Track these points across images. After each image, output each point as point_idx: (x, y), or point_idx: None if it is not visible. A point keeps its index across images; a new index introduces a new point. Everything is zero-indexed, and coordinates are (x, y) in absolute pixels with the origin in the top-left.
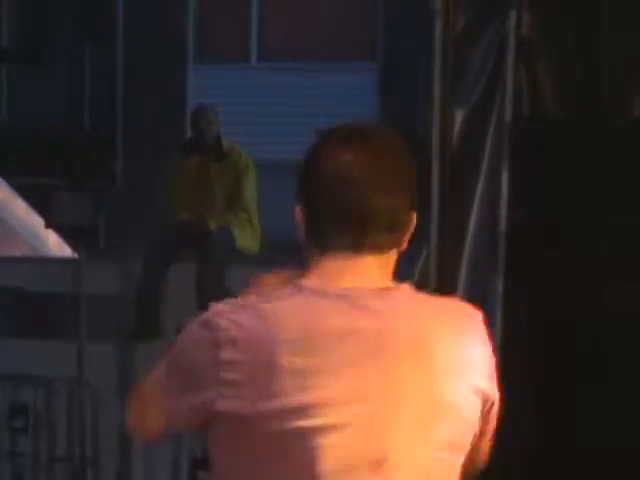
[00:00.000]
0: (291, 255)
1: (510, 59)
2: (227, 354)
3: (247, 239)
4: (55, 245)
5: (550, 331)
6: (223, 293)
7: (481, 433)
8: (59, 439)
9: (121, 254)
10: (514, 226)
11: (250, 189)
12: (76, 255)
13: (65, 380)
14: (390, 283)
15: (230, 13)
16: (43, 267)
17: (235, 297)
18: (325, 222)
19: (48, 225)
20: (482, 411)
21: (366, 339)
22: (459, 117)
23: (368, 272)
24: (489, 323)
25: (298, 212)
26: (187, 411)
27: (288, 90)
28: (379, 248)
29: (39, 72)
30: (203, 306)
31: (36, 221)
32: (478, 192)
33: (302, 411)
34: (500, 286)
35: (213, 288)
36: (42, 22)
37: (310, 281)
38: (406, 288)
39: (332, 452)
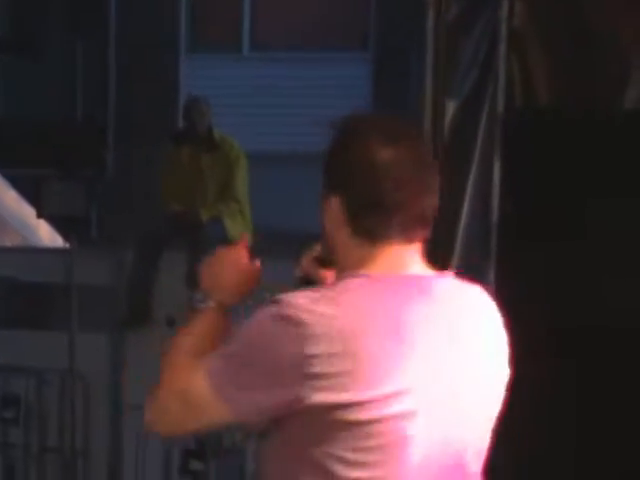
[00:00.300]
0: (281, 244)
1: (502, 49)
2: (315, 348)
3: (238, 229)
4: (46, 235)
5: (543, 321)
6: None
7: None
8: (50, 430)
9: (113, 244)
10: (506, 217)
11: (241, 180)
12: (67, 245)
13: (56, 371)
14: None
15: (222, 3)
16: (34, 257)
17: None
18: (379, 215)
19: (39, 215)
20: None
21: (440, 324)
22: (451, 107)
23: (418, 261)
24: None
25: (335, 203)
26: (259, 407)
27: (280, 80)
28: (423, 240)
29: (31, 63)
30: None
31: (27, 211)
32: (470, 182)
33: (395, 397)
34: (492, 276)
35: None
36: (35, 13)
37: (373, 271)
38: (450, 275)
39: (421, 436)
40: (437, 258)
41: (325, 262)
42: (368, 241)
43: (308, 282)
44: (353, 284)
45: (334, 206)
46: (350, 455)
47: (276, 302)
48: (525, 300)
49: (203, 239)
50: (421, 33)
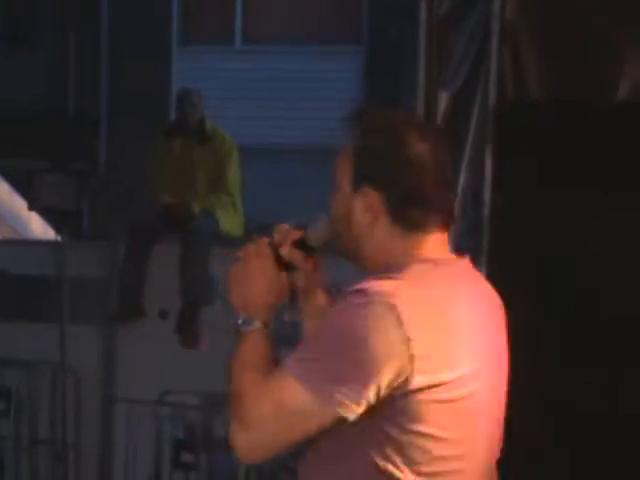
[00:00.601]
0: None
1: (494, 43)
2: (414, 330)
3: (230, 222)
4: (38, 227)
5: (536, 314)
6: (206, 276)
7: None
8: (41, 422)
9: (104, 237)
10: (498, 210)
11: (233, 172)
12: (59, 238)
13: (48, 363)
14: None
15: None
16: (26, 250)
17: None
18: (421, 207)
19: (31, 208)
20: None
21: (482, 305)
22: (443, 100)
23: (448, 248)
24: None
25: (372, 195)
26: (366, 398)
27: (272, 73)
28: (449, 229)
29: (24, 54)
30: (186, 288)
31: (19, 203)
32: (462, 176)
33: (472, 375)
34: (484, 270)
35: (196, 271)
36: (28, 5)
37: (425, 257)
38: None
39: (485, 411)
40: None
41: (307, 247)
42: (410, 231)
43: (288, 267)
44: (423, 269)
45: (371, 198)
46: (440, 433)
47: (361, 292)
48: (517, 293)
49: (195, 232)
50: (414, 27)
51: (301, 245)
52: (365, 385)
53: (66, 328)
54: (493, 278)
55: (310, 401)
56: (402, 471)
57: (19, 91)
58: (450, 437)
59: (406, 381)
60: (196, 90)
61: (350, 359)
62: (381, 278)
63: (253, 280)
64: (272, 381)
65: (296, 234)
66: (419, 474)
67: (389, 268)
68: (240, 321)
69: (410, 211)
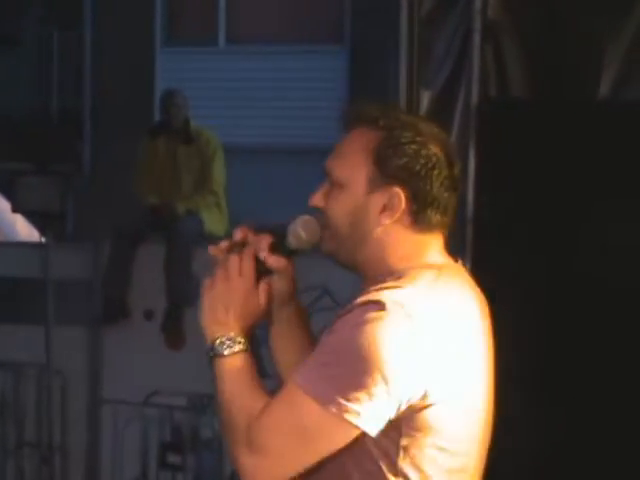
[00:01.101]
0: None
1: (476, 40)
2: (431, 341)
3: (215, 222)
4: (23, 229)
5: (519, 314)
6: (191, 276)
7: None
8: (27, 424)
9: (89, 238)
10: (481, 208)
11: (218, 173)
12: (43, 240)
13: (33, 365)
14: None
15: None
16: (11, 251)
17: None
18: (436, 208)
19: (14, 210)
20: None
21: (478, 310)
22: (425, 99)
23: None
24: None
25: (393, 194)
26: (389, 414)
27: (256, 74)
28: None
29: (6, 56)
30: (171, 289)
31: (3, 205)
32: None
33: (478, 382)
34: (467, 270)
35: (181, 271)
36: (10, 6)
37: (431, 260)
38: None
39: (483, 417)
40: None
41: (286, 250)
42: (423, 233)
43: (264, 271)
44: (430, 275)
45: (396, 197)
46: (452, 445)
47: (376, 304)
48: (500, 293)
49: (180, 232)
50: (396, 26)
51: (278, 248)
52: (389, 400)
53: (51, 330)
54: (476, 278)
55: (333, 421)
56: None
57: (1, 93)
58: (459, 448)
59: (425, 395)
60: (180, 91)
61: (372, 374)
62: (393, 287)
63: (237, 301)
64: (285, 401)
65: (268, 238)
66: None
67: (395, 274)
68: (221, 342)
69: (427, 212)
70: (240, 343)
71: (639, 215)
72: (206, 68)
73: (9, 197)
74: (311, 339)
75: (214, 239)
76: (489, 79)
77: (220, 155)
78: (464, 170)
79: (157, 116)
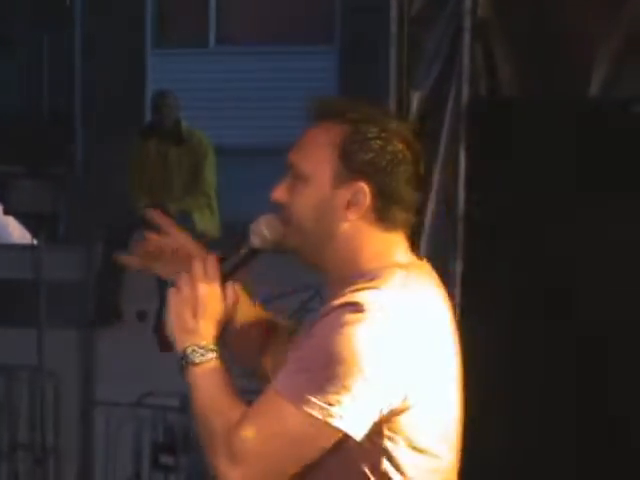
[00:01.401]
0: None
1: (466, 40)
2: (414, 340)
3: (207, 223)
4: (16, 231)
5: (509, 313)
6: None
7: None
8: (20, 426)
9: (81, 240)
10: (472, 207)
11: (210, 173)
12: (35, 241)
13: (26, 367)
14: None
15: None
16: (3, 253)
17: None
18: (400, 205)
19: (6, 212)
20: None
21: (445, 308)
22: (415, 99)
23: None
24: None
25: (359, 190)
26: (378, 415)
27: (246, 74)
28: None
29: None
30: (162, 290)
31: None
32: (435, 175)
33: (452, 380)
34: (459, 269)
35: None
36: (1, 7)
37: (399, 259)
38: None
39: (457, 416)
40: None
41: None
42: (388, 230)
43: (228, 272)
44: (401, 275)
45: (361, 193)
46: (433, 447)
47: (354, 305)
48: (491, 293)
49: None
50: (386, 25)
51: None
52: (371, 403)
53: (44, 332)
54: (467, 278)
55: (316, 426)
56: None
57: None
58: (439, 450)
59: (405, 397)
60: (171, 92)
61: (353, 376)
62: (369, 288)
63: (205, 306)
64: (265, 410)
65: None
66: None
67: (366, 275)
68: (193, 350)
69: (392, 209)
70: (211, 350)
71: (631, 213)
72: (196, 69)
73: (1, 199)
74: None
75: (206, 240)
76: (479, 78)
77: (211, 156)
78: (455, 169)
79: (148, 117)
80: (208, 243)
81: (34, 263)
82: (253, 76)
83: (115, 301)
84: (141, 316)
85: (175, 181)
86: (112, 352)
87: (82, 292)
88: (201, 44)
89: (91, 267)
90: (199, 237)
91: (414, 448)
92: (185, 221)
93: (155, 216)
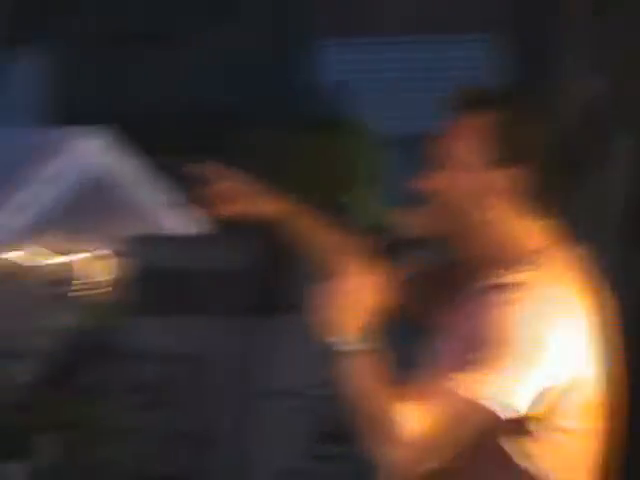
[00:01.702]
0: None
1: None
2: (566, 321)
3: (369, 213)
4: (174, 222)
5: None
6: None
7: None
8: (181, 415)
9: (243, 230)
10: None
11: (371, 163)
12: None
13: (187, 356)
14: None
15: None
16: (166, 244)
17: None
18: (548, 188)
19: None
20: None
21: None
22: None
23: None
24: None
25: (517, 175)
26: (540, 394)
27: (417, 63)
28: None
29: (169, 51)
30: (315, 282)
31: (158, 199)
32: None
33: (588, 366)
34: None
35: None
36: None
37: (537, 245)
38: None
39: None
40: None
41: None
42: (535, 214)
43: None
44: (544, 259)
45: (515, 178)
46: (575, 426)
47: (511, 285)
48: None
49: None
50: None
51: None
52: (529, 383)
53: (206, 320)
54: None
55: (473, 406)
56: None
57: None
58: (574, 427)
59: (559, 376)
60: (346, 82)
61: (525, 358)
62: (526, 270)
63: (356, 297)
64: (424, 389)
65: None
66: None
67: (522, 258)
68: (345, 340)
69: (542, 195)
70: (362, 341)
71: None
72: (371, 59)
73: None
74: None
75: (367, 229)
76: None
77: (375, 146)
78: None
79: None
80: (368, 232)
81: (198, 253)
82: (422, 65)
83: (279, 291)
84: (296, 309)
85: (337, 172)
86: (275, 342)
87: (246, 282)
88: (382, 34)
89: (255, 257)
90: (361, 227)
91: (560, 429)
92: (347, 211)
93: (198, 169)
